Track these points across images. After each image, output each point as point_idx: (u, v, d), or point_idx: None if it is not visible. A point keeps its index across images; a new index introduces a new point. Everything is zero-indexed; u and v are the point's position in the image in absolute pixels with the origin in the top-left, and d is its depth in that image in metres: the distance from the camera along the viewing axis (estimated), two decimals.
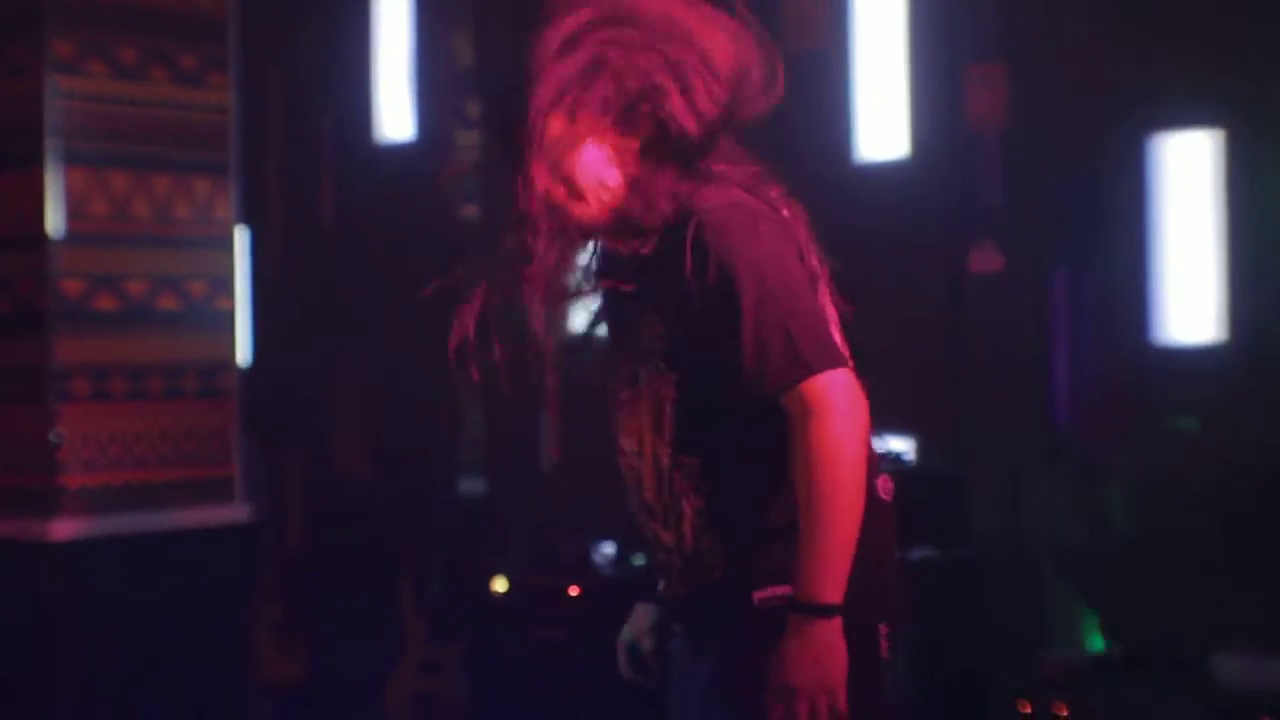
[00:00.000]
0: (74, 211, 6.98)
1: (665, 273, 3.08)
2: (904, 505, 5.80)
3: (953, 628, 5.89)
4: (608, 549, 6.65)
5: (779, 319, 3.01)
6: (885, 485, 3.26)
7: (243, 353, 7.82)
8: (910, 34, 6.42)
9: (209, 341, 7.41)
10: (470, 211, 7.80)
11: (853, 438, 3.02)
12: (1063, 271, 6.15)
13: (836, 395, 3.01)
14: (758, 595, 3.11)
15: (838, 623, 3.00)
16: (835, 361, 3.05)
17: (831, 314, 3.21)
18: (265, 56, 8.15)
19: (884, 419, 6.02)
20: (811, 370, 3.00)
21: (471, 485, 7.71)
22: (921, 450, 6.21)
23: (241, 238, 7.85)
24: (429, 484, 7.73)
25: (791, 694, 3.01)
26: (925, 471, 6.16)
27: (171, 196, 7.29)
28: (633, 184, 3.15)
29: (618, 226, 3.17)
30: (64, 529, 6.92)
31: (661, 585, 3.33)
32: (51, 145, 6.92)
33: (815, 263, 3.21)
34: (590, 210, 3.16)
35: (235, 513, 7.51)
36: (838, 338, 3.18)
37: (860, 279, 6.17)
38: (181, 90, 7.34)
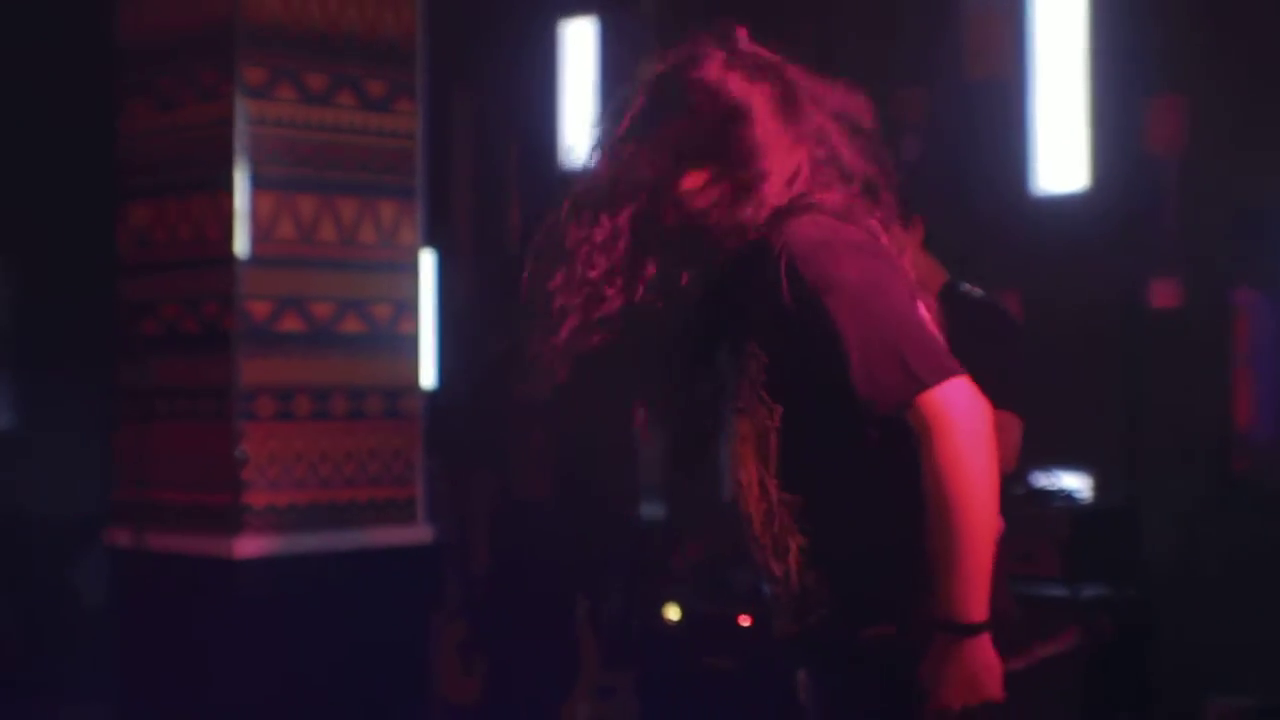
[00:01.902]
0: (261, 234, 7.09)
1: (764, 304, 3.06)
2: (1077, 542, 5.80)
3: (1122, 666, 5.80)
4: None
5: (883, 336, 2.98)
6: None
7: (427, 375, 7.89)
8: (1090, 65, 6.35)
9: (393, 364, 7.48)
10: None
11: (978, 448, 2.97)
12: (1244, 303, 6.05)
13: (955, 406, 2.97)
14: (864, 633, 3.09)
15: (986, 639, 2.96)
16: (949, 371, 3.00)
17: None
18: (453, 82, 8.25)
19: (1058, 454, 6.02)
20: (925, 384, 2.96)
21: (652, 510, 7.73)
22: (1096, 487, 6.13)
23: (427, 261, 7.93)
24: (609, 508, 7.77)
25: (952, 717, 2.99)
26: (1098, 508, 6.08)
27: (358, 220, 7.38)
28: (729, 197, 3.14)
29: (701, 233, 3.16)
30: (248, 546, 7.02)
31: (775, 625, 3.32)
32: (240, 169, 7.04)
33: (922, 303, 3.17)
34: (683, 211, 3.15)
35: (418, 533, 7.58)
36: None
37: (1037, 310, 6.17)
38: (369, 116, 7.43)
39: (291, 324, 7.18)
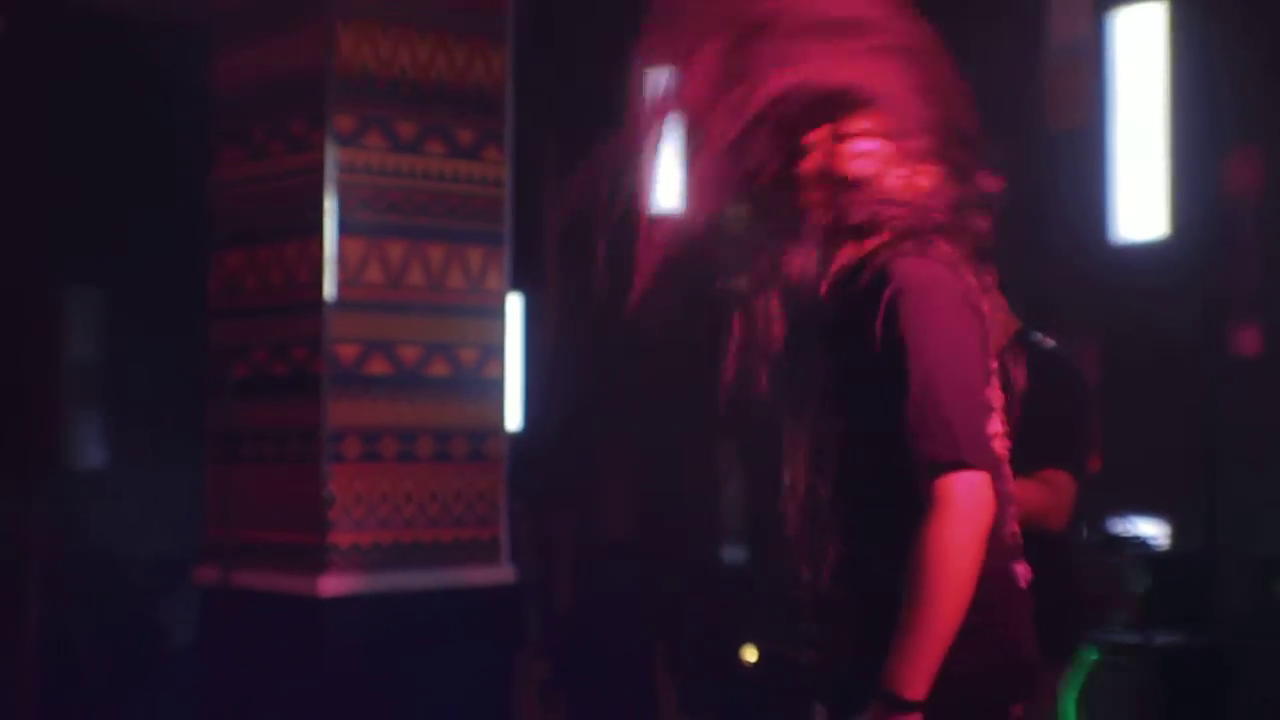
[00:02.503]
0: (350, 279, 7.20)
1: (853, 322, 3.13)
2: (1153, 589, 5.83)
3: (1197, 715, 5.81)
4: None
5: (942, 398, 3.04)
6: (1024, 572, 3.25)
7: (512, 418, 7.97)
8: (1170, 116, 6.39)
9: (478, 407, 7.57)
10: (740, 282, 7.88)
11: (969, 545, 3.03)
12: None
13: (968, 496, 3.03)
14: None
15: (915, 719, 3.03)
16: (981, 462, 3.05)
17: (997, 405, 3.21)
18: (541, 129, 8.34)
19: (1135, 501, 6.05)
20: (959, 461, 3.03)
21: (733, 553, 7.78)
22: (1173, 534, 6.15)
23: (514, 306, 8.02)
24: (690, 551, 7.82)
25: None
26: (1174, 556, 6.10)
27: (446, 266, 7.48)
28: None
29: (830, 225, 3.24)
30: (334, 585, 7.12)
31: (806, 660, 3.33)
32: (330, 215, 7.15)
33: (993, 361, 3.22)
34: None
35: (501, 573, 7.66)
36: (995, 432, 3.18)
37: (1117, 357, 6.21)
38: (458, 164, 7.53)
39: (379, 367, 7.28)
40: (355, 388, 7.22)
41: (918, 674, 3.02)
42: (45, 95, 8.52)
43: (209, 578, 7.53)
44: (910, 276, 3.12)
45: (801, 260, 3.28)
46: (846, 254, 3.24)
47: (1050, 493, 4.48)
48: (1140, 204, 6.45)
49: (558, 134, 8.49)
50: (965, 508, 3.03)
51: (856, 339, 3.13)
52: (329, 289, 7.14)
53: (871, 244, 3.21)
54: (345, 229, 7.18)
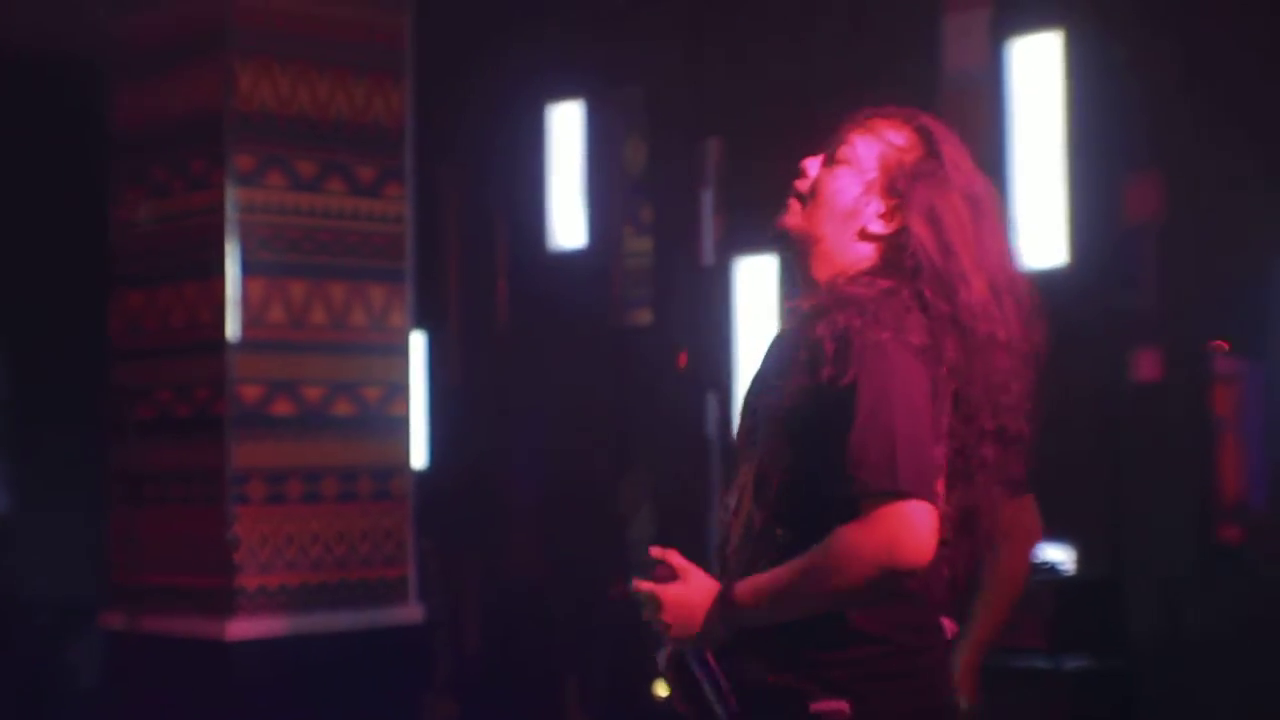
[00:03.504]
0: (252, 319, 7.17)
1: (806, 349, 3.15)
2: (1060, 614, 5.85)
3: None
4: None
5: (889, 430, 3.03)
6: (949, 626, 3.27)
7: (417, 456, 7.96)
8: (1069, 142, 6.44)
9: (384, 446, 7.55)
10: (641, 316, 7.91)
11: (893, 575, 3.01)
12: (1226, 373, 6.12)
13: (911, 529, 3.00)
14: (814, 706, 3.12)
15: (714, 613, 3.08)
16: (925, 493, 3.03)
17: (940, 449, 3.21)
18: (441, 166, 8.34)
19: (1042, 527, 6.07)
20: (902, 493, 3.01)
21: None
22: (1079, 559, 6.18)
23: (417, 343, 8.00)
24: (598, 585, 7.81)
25: (659, 614, 3.12)
26: (1081, 580, 6.13)
27: (348, 304, 7.46)
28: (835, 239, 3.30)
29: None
30: (241, 628, 7.08)
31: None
32: (231, 255, 7.12)
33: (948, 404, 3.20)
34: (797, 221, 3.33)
35: (409, 613, 7.63)
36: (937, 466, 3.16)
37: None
38: (359, 201, 7.52)
39: (283, 407, 7.26)
40: (259, 428, 7.18)
41: (761, 608, 3.07)
42: None
43: (114, 622, 7.47)
44: (869, 311, 3.13)
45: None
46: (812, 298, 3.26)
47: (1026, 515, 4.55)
48: (1040, 231, 6.48)
49: (458, 170, 8.47)
50: (913, 540, 3.00)
51: (804, 363, 3.15)
52: (231, 329, 7.11)
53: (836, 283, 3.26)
54: (247, 269, 7.16)
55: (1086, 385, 6.35)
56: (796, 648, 3.14)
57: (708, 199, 7.59)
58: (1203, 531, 6.10)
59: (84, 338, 8.00)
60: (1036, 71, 6.58)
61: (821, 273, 3.31)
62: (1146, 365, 6.29)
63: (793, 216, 3.35)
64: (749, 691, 3.19)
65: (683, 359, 7.63)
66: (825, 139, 3.38)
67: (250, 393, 7.17)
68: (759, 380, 3.35)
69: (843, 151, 3.33)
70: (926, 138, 3.32)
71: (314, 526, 7.32)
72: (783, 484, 3.18)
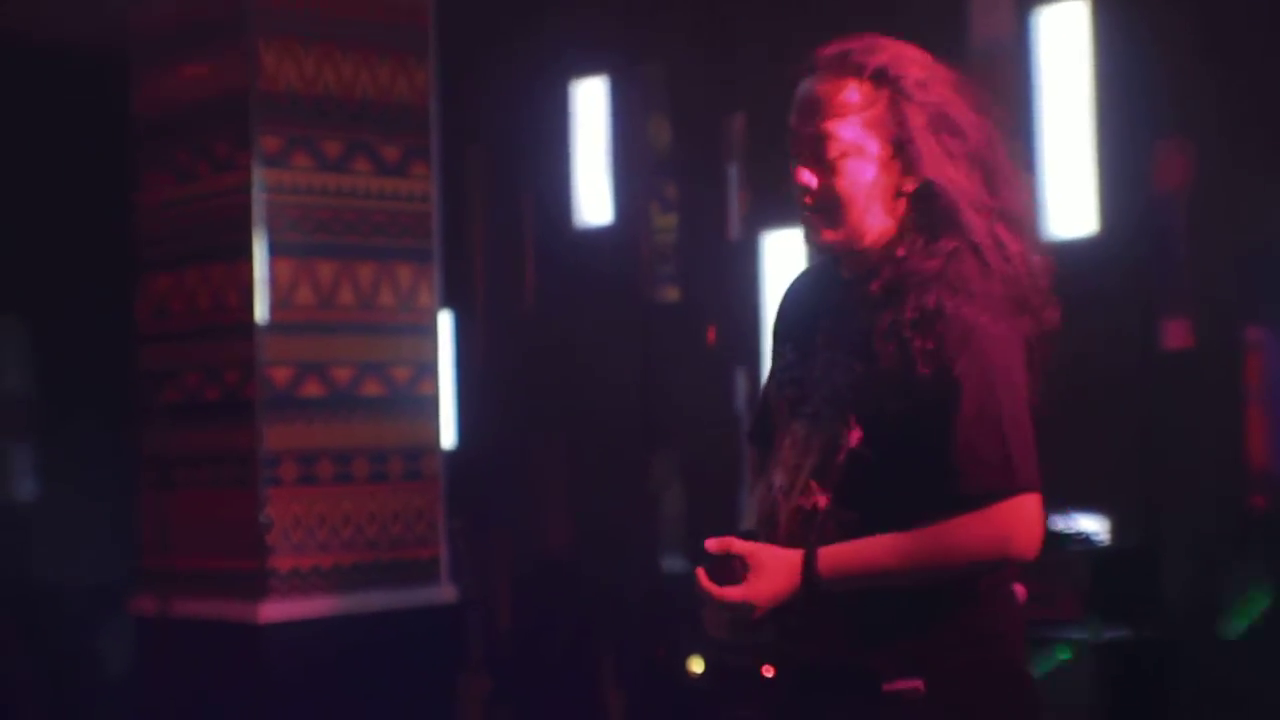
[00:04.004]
0: (281, 301, 7.17)
1: (889, 329, 3.11)
2: (1095, 583, 5.84)
3: (1143, 709, 5.82)
4: None
5: (998, 424, 3.02)
6: (1021, 591, 3.25)
7: (447, 436, 7.95)
8: (1097, 111, 6.41)
9: (413, 426, 7.54)
10: (668, 292, 7.89)
11: (1002, 561, 3.06)
12: (1256, 341, 6.09)
13: (1026, 523, 3.03)
14: (887, 686, 3.10)
15: (801, 587, 3.05)
16: (1036, 485, 3.06)
17: None
18: (466, 144, 8.32)
19: (1075, 498, 6.05)
20: (1019, 488, 3.02)
21: (674, 564, 7.76)
22: (1114, 530, 6.16)
23: (445, 322, 7.99)
24: (630, 562, 7.81)
25: (750, 609, 3.06)
26: (1116, 551, 6.11)
27: (376, 284, 7.45)
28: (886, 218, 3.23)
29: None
30: (274, 611, 7.08)
31: (768, 668, 3.32)
32: (258, 237, 7.12)
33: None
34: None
35: (442, 593, 7.63)
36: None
37: (1052, 355, 6.22)
38: (385, 180, 7.51)
39: (312, 389, 7.25)
40: (289, 410, 7.18)
41: (851, 575, 3.05)
42: None
43: (146, 607, 7.48)
44: (961, 287, 3.11)
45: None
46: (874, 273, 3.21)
47: None
48: (1069, 201, 6.46)
49: (484, 148, 8.46)
50: (1025, 534, 3.04)
51: (889, 344, 3.11)
52: (260, 312, 7.10)
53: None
54: (274, 250, 7.15)
55: (1116, 353, 6.33)
56: (871, 616, 3.11)
57: (733, 174, 7.57)
58: (1234, 499, 6.08)
59: (110, 323, 8.00)
60: (1063, 41, 6.55)
61: (863, 243, 3.25)
62: (1176, 333, 6.26)
63: (828, 233, 3.23)
64: (819, 673, 3.17)
65: (711, 334, 7.62)
66: (794, 142, 3.28)
67: (280, 375, 7.16)
68: (810, 352, 3.27)
69: (832, 149, 3.22)
70: (880, 80, 3.26)
71: (346, 507, 7.32)
72: (854, 468, 3.12)
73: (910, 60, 3.30)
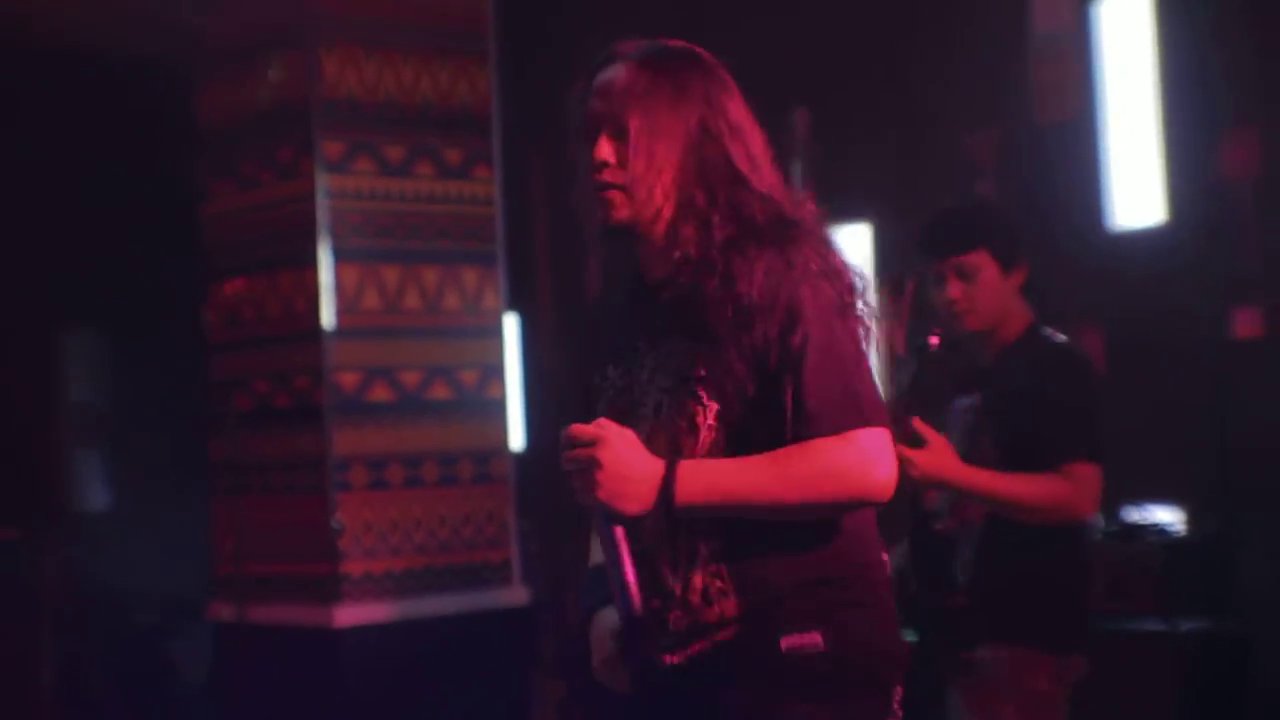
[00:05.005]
0: (348, 306, 7.19)
1: (721, 306, 3.10)
2: (1171, 575, 5.80)
3: (1220, 701, 5.78)
4: None
5: (842, 366, 3.07)
6: (887, 561, 3.27)
7: (515, 438, 7.96)
8: (1161, 99, 6.37)
9: (482, 428, 7.56)
10: None
11: (866, 494, 3.07)
12: None
13: (884, 454, 3.06)
14: (785, 640, 3.08)
15: (659, 496, 3.01)
16: (885, 422, 3.09)
17: None
18: (528, 146, 8.33)
19: (1148, 489, 6.03)
20: (868, 421, 3.05)
21: None
22: (1189, 521, 6.12)
23: (511, 325, 8.01)
24: None
25: (595, 463, 3.00)
26: (1192, 542, 6.06)
27: (441, 288, 7.47)
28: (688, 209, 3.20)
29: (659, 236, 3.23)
30: (347, 615, 7.11)
31: (649, 648, 3.21)
32: (324, 243, 7.14)
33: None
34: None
35: (514, 595, 7.65)
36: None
37: (1121, 346, 6.19)
38: (448, 184, 7.53)
39: (381, 393, 7.28)
40: (358, 415, 7.21)
41: (704, 495, 3.03)
42: (36, 138, 8.51)
43: (221, 614, 7.52)
44: (785, 254, 3.14)
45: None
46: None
47: (1075, 486, 4.48)
48: (1136, 190, 6.42)
49: (546, 150, 8.46)
50: (885, 461, 3.07)
51: (723, 319, 3.11)
52: (327, 317, 7.13)
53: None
54: (340, 256, 7.18)
55: (1187, 343, 6.30)
56: (761, 591, 3.10)
57: (797, 170, 7.55)
58: None
59: (181, 331, 8.05)
60: (1126, 31, 6.52)
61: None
62: (1246, 322, 6.22)
63: (619, 209, 3.20)
64: (711, 637, 3.13)
65: None
66: (584, 120, 3.26)
67: (348, 380, 7.19)
68: (634, 361, 3.25)
69: (633, 124, 3.20)
70: (647, 64, 3.27)
71: (416, 511, 7.34)
72: (716, 443, 3.12)
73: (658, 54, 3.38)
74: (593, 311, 3.53)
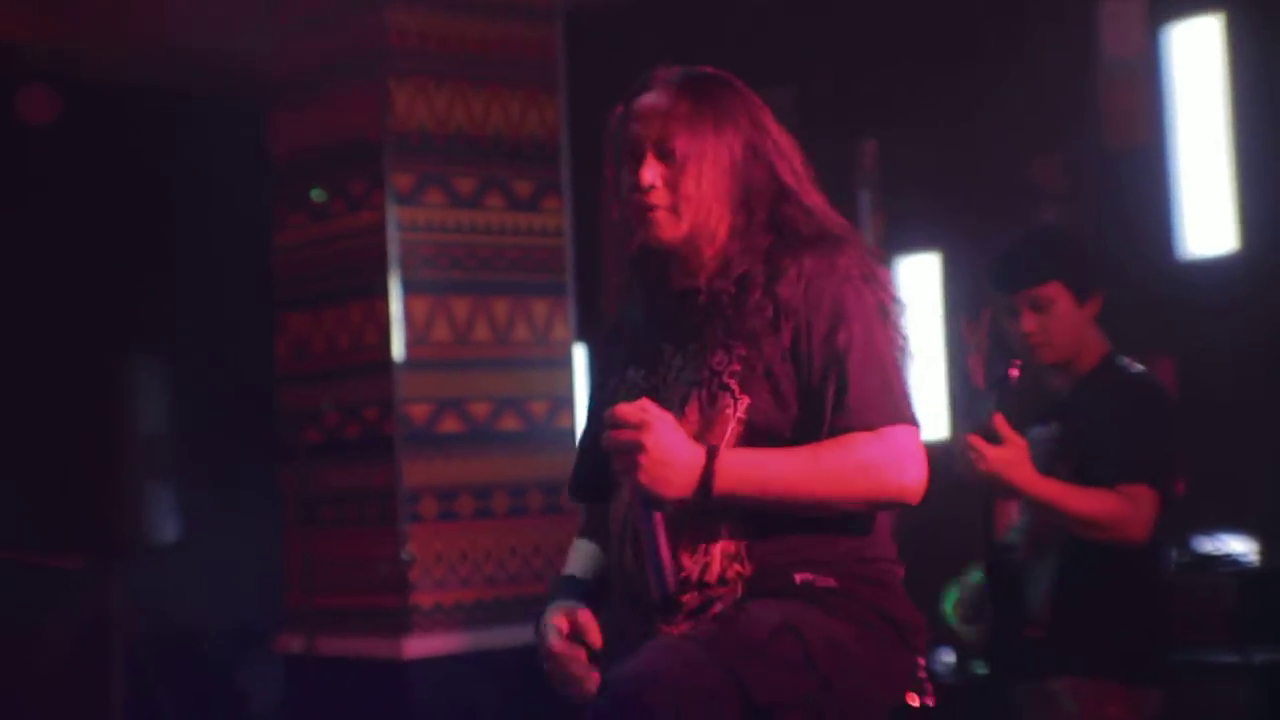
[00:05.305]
0: (417, 338, 7.21)
1: (762, 307, 3.18)
2: (1245, 606, 5.75)
3: None
4: (947, 657, 6.62)
5: (883, 366, 3.16)
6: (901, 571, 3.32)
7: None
8: (1233, 126, 6.34)
9: (552, 459, 7.55)
10: None
11: (897, 492, 3.13)
12: None
13: (917, 454, 3.15)
14: (798, 576, 3.15)
15: (699, 485, 3.04)
16: (918, 422, 3.18)
17: None
18: (599, 176, 8.32)
19: (1221, 519, 5.97)
20: (905, 419, 3.14)
21: None
22: (1262, 551, 6.06)
23: (580, 356, 8.01)
24: None
25: (639, 446, 3.03)
26: (1266, 573, 6.01)
27: (511, 319, 7.49)
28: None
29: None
30: (418, 646, 7.11)
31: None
32: (394, 275, 7.17)
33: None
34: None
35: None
36: None
37: (1193, 374, 6.15)
38: (518, 216, 7.55)
39: (451, 425, 7.29)
40: (429, 447, 7.22)
41: (751, 486, 3.09)
42: (106, 170, 8.57)
43: (291, 645, 7.53)
44: (822, 258, 3.23)
45: None
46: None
47: (1130, 506, 4.46)
48: (1207, 218, 6.39)
49: None
50: (918, 461, 3.16)
51: (762, 318, 3.20)
52: (397, 349, 7.15)
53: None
54: (410, 288, 7.20)
55: (1259, 370, 6.25)
56: (774, 567, 3.16)
57: (865, 200, 7.54)
58: None
59: (252, 362, 8.08)
60: (1197, 57, 6.48)
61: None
62: None
63: (666, 228, 3.26)
64: (723, 593, 3.17)
65: None
66: (625, 143, 3.36)
67: (418, 412, 7.21)
68: (659, 363, 3.31)
69: (680, 146, 3.28)
70: (688, 89, 3.37)
71: (486, 543, 7.34)
72: (746, 434, 3.18)
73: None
74: (609, 325, 3.55)
